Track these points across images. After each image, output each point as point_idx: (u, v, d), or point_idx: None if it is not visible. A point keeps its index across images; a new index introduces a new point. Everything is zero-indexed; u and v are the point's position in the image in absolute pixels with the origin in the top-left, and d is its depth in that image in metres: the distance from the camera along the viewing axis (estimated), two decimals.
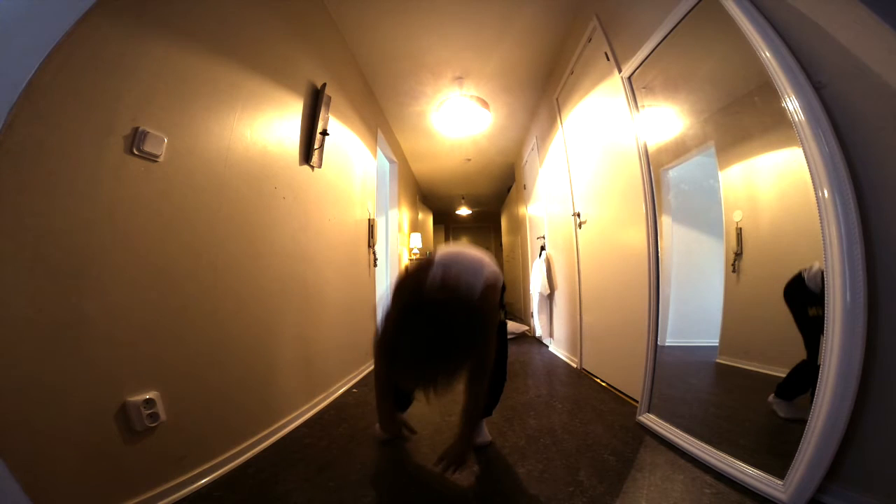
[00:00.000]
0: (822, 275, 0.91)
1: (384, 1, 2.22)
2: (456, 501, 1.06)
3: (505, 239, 6.85)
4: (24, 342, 0.78)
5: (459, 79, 3.02)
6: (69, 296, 0.86)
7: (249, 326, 1.40)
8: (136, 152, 0.99)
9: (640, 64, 1.59)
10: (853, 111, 0.87)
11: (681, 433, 1.31)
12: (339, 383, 2.17)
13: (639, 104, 1.66)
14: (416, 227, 5.35)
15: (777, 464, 0.97)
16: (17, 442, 0.75)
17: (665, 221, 1.58)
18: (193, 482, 1.10)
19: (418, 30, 2.49)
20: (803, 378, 0.99)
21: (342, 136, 2.41)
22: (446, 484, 1.12)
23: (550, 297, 3.36)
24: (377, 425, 1.41)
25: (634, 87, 1.67)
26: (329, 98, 2.04)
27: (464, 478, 1.15)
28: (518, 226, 5.00)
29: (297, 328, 1.74)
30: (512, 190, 5.62)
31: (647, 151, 1.60)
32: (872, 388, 0.84)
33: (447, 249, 1.23)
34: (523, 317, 4.77)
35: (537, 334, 3.48)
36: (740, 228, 1.35)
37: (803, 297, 1.02)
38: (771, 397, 1.13)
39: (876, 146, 0.84)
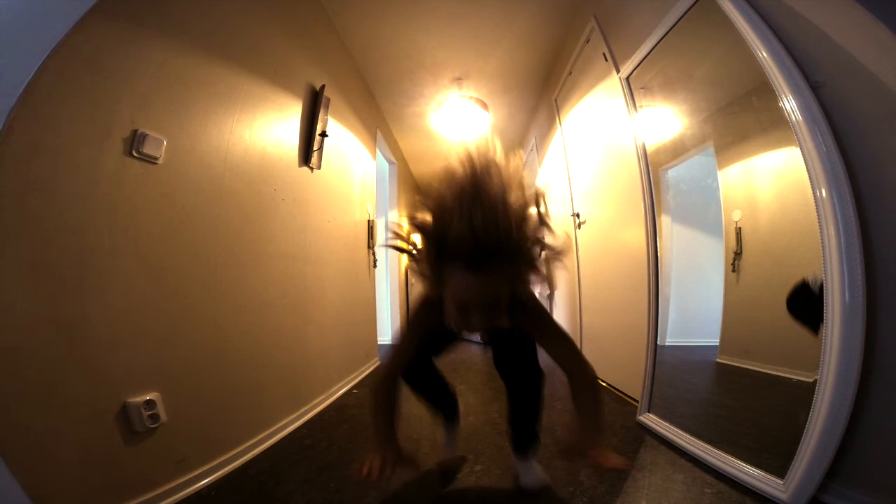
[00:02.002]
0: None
1: (383, 2, 2.23)
2: (456, 502, 1.06)
3: None
4: (24, 343, 0.78)
5: (458, 80, 3.02)
6: (70, 297, 0.86)
7: (249, 327, 1.40)
8: (135, 154, 1.00)
9: (639, 64, 1.59)
10: (850, 110, 0.88)
11: (681, 433, 1.31)
12: (340, 384, 2.17)
13: (637, 104, 1.66)
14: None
15: (777, 463, 0.97)
16: (17, 442, 0.75)
17: (664, 221, 1.58)
18: (194, 483, 1.10)
19: (417, 31, 2.49)
20: None
21: (341, 137, 2.41)
22: (446, 484, 1.12)
23: (550, 297, 3.36)
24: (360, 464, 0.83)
25: (633, 87, 1.67)
26: (328, 99, 2.04)
27: (465, 477, 1.15)
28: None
29: (296, 329, 1.74)
30: None
31: (645, 151, 1.60)
32: (872, 387, 0.84)
33: None
34: None
35: None
36: (739, 228, 1.35)
37: (812, 300, 0.98)
38: None
39: (873, 145, 0.85)
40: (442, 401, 1.21)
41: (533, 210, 0.71)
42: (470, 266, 0.67)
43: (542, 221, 0.72)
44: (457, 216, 0.66)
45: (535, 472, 1.09)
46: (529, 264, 0.73)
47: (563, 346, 0.89)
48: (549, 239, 0.73)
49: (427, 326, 0.91)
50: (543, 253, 0.74)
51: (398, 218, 4.15)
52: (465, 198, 0.66)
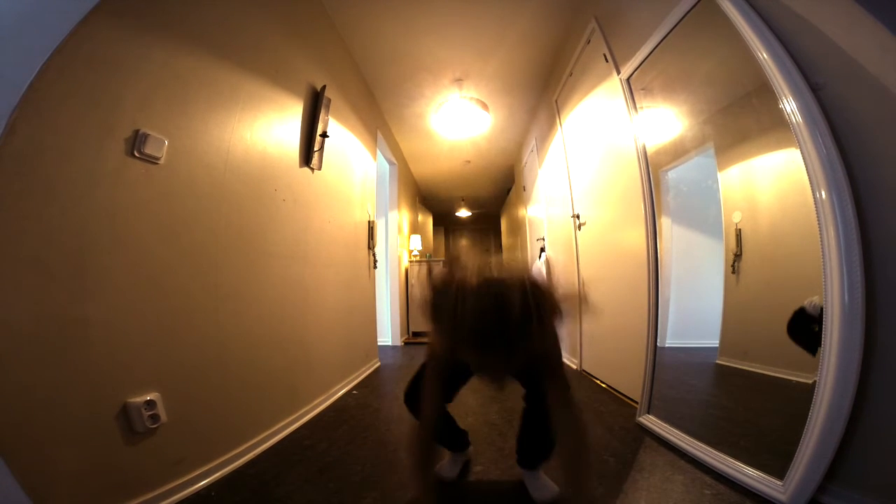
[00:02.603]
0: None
1: (384, 3, 2.23)
2: (454, 500, 1.06)
3: (505, 241, 6.85)
4: (25, 343, 0.78)
5: (459, 80, 3.02)
6: (70, 298, 0.86)
7: (250, 328, 1.40)
8: (136, 154, 1.00)
9: (639, 65, 1.59)
10: (850, 112, 0.88)
11: (681, 434, 1.31)
12: (339, 385, 2.17)
13: (637, 106, 1.66)
14: (415, 228, 5.35)
15: (777, 464, 0.97)
16: (17, 442, 0.75)
17: (664, 223, 1.58)
18: (194, 483, 1.10)
19: (418, 31, 2.49)
20: None
21: (342, 137, 2.41)
22: (445, 486, 1.12)
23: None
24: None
25: (633, 88, 1.67)
26: (329, 100, 2.05)
27: (464, 478, 1.15)
28: (518, 227, 5.00)
29: (296, 330, 1.75)
30: (511, 192, 5.62)
31: (646, 153, 1.60)
32: (871, 388, 0.84)
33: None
34: None
35: None
36: (739, 229, 1.35)
37: (810, 325, 0.97)
38: None
39: (873, 147, 0.85)
40: (452, 443, 1.21)
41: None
42: (484, 350, 0.66)
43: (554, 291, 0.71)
44: (469, 305, 0.64)
45: (544, 483, 1.07)
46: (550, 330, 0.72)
47: (564, 395, 0.87)
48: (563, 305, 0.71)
49: (445, 372, 0.93)
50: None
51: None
52: (478, 287, 0.65)
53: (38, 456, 0.78)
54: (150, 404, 0.99)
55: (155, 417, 1.00)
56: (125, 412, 0.94)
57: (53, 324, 0.83)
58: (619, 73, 1.77)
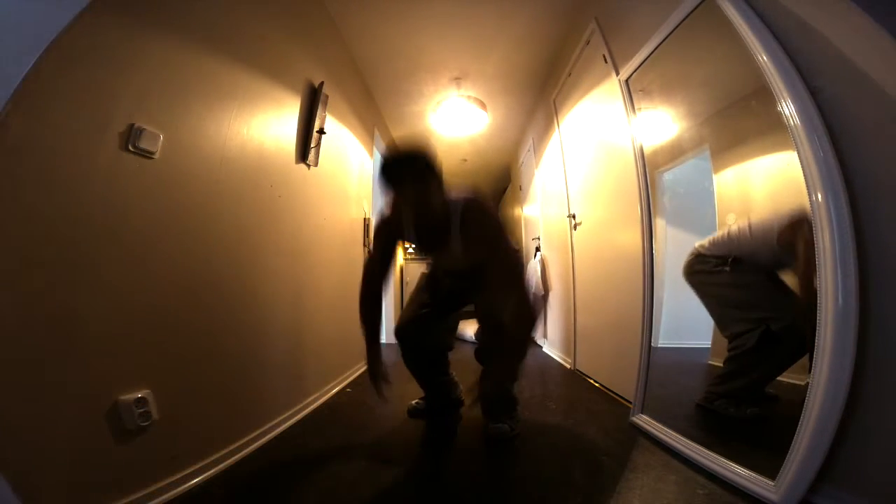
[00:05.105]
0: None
1: (384, 0, 2.22)
2: (451, 501, 1.06)
3: None
4: (15, 340, 0.76)
5: (457, 79, 3.02)
6: (62, 293, 0.84)
7: (243, 324, 1.39)
8: (131, 149, 0.98)
9: (638, 67, 1.59)
10: (848, 115, 0.88)
11: (674, 434, 1.31)
12: (334, 382, 2.16)
13: (635, 107, 1.66)
14: None
15: (769, 464, 0.98)
16: (5, 441, 0.74)
17: (659, 223, 1.59)
18: (186, 481, 1.09)
19: (417, 30, 2.48)
20: None
21: (339, 134, 2.40)
22: (441, 483, 1.12)
23: (545, 297, 3.37)
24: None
25: (632, 89, 1.67)
26: (326, 96, 2.03)
27: (460, 478, 1.15)
28: (513, 227, 5.01)
29: (291, 326, 1.74)
30: (508, 191, 5.63)
31: (643, 154, 1.60)
32: (864, 389, 0.85)
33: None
34: None
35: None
36: None
37: None
38: None
39: (870, 150, 0.85)
40: (439, 394, 1.50)
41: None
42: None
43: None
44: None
45: (500, 428, 1.36)
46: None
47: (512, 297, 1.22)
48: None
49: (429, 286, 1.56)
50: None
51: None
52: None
53: (27, 455, 0.77)
54: (142, 402, 0.98)
55: (146, 415, 0.98)
56: (116, 410, 0.93)
57: (45, 319, 0.81)
58: (617, 74, 1.77)
